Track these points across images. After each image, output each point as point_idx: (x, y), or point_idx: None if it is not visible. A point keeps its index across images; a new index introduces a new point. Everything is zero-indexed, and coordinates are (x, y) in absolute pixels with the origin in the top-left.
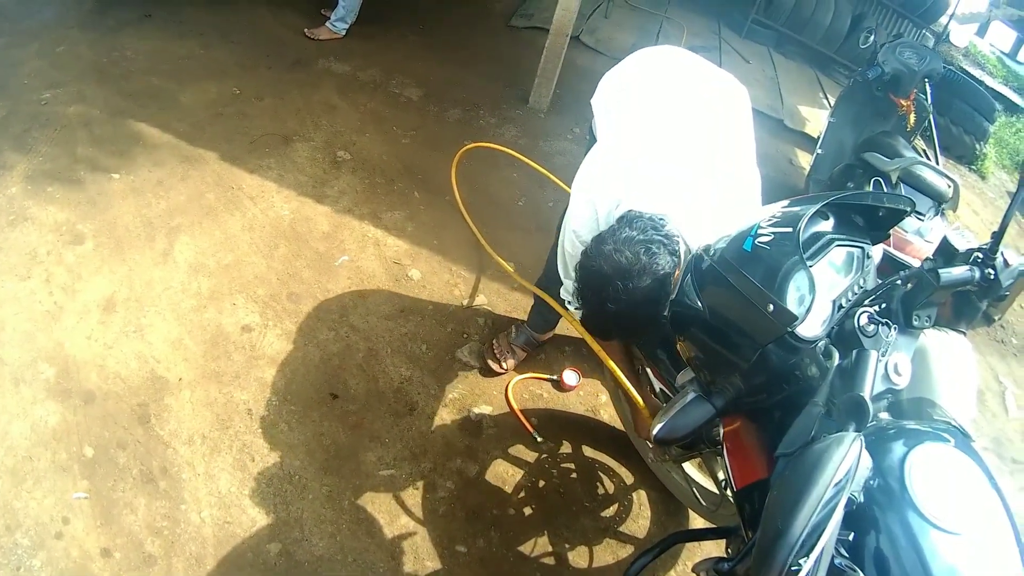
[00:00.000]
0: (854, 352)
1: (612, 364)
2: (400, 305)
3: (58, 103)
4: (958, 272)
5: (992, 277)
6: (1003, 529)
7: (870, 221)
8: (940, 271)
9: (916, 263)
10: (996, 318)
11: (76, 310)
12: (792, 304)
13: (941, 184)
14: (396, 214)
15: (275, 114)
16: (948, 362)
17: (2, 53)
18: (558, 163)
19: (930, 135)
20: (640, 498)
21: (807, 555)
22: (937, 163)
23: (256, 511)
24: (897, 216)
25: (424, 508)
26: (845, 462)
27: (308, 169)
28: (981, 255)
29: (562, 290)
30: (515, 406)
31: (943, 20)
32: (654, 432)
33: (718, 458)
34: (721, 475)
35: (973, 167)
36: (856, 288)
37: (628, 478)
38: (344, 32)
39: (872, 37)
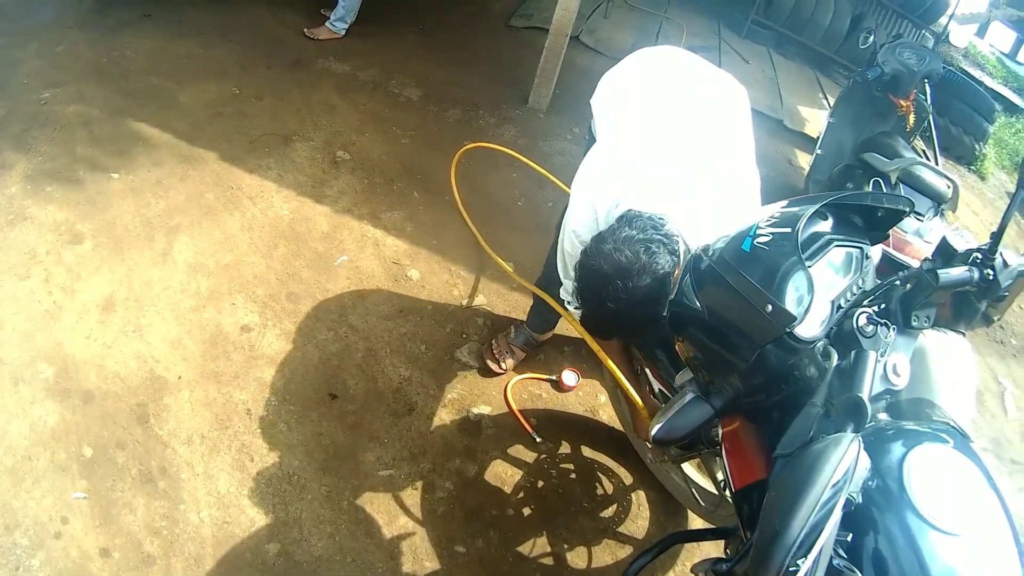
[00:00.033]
0: (853, 353)
1: (611, 364)
2: (399, 305)
3: (57, 102)
4: (957, 273)
5: (991, 278)
6: (1002, 530)
7: (869, 221)
8: (939, 272)
9: (915, 263)
10: (995, 319)
11: (75, 310)
12: (791, 304)
13: (940, 185)
14: (395, 214)
15: (274, 114)
16: (947, 363)
17: (1, 53)
18: (557, 163)
19: (929, 136)
20: (639, 498)
21: (805, 556)
22: (936, 164)
23: (255, 511)
24: (896, 216)
25: (423, 508)
26: (843, 463)
27: (307, 169)
28: (980, 256)
29: (562, 290)
30: (514, 406)
31: (943, 20)
32: (653, 432)
33: (717, 458)
34: (720, 475)
35: (972, 168)
36: (855, 288)
37: (627, 478)
38: (344, 32)
39: (872, 37)
